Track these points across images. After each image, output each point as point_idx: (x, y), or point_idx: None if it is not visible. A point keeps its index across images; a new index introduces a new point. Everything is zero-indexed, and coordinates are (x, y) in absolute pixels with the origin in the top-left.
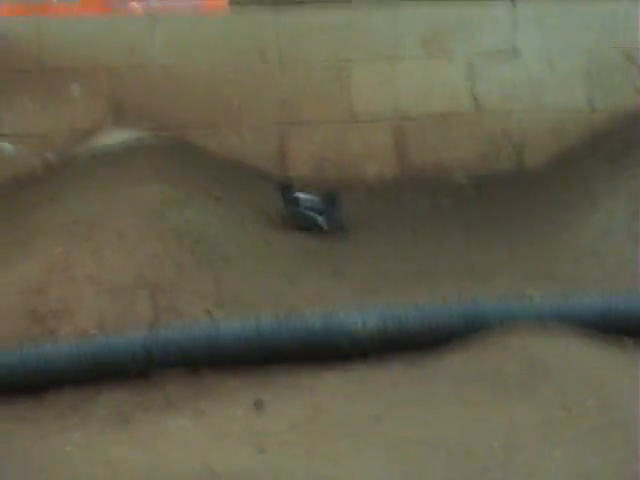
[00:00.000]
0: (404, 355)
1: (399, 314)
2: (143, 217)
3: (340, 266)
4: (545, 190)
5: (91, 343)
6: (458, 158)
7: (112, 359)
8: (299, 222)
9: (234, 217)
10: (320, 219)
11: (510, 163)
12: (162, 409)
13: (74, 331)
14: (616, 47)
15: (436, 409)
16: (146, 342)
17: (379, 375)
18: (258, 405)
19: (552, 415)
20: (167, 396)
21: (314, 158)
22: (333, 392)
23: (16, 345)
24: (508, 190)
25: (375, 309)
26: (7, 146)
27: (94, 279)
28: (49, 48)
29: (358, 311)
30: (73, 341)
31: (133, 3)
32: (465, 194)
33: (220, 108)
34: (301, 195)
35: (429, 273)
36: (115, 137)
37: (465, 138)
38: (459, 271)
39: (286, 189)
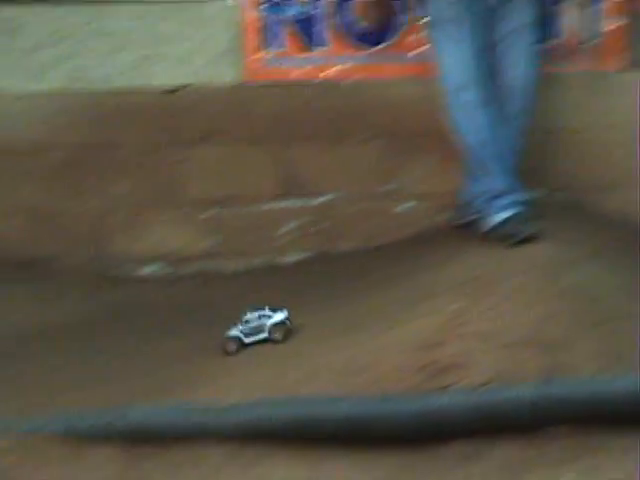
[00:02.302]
0: None
1: None
2: (537, 276)
3: None
4: None
5: (482, 397)
6: None
7: (500, 413)
8: None
9: (629, 279)
10: None
11: None
12: (552, 465)
13: (466, 386)
14: None
15: None
16: (533, 398)
17: None
18: None
19: None
20: (551, 453)
21: None
22: None
23: (412, 397)
24: None
25: None
26: None
27: (487, 336)
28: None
29: None
30: (465, 395)
31: None
32: None
33: (619, 168)
34: None
35: None
36: None
37: None
38: None
39: None
